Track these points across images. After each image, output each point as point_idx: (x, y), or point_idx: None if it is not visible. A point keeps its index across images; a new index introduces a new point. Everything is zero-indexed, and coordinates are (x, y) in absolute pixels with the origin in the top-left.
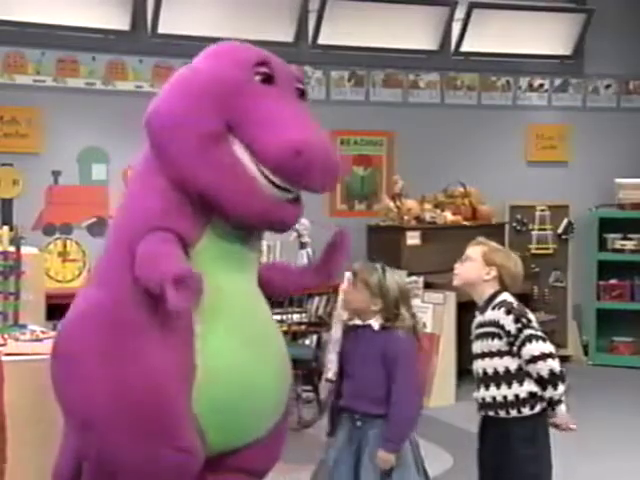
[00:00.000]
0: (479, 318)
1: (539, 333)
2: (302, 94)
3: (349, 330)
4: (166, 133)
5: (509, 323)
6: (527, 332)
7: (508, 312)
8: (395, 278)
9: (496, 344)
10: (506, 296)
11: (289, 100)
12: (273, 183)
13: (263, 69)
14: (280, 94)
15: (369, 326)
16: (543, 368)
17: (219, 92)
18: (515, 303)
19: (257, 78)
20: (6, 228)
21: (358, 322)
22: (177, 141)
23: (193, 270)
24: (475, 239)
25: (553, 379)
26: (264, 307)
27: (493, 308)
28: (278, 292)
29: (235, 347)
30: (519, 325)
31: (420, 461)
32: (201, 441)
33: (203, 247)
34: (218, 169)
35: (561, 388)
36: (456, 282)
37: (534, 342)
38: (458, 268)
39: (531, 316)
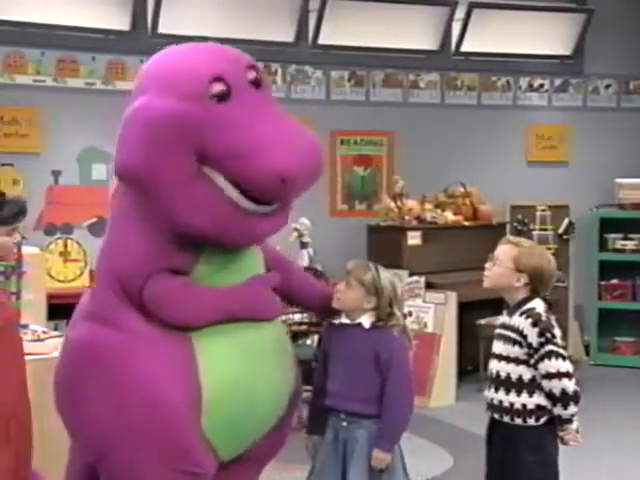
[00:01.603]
0: (505, 319)
1: (560, 350)
2: (259, 84)
3: (334, 329)
4: (140, 184)
5: (533, 335)
6: (548, 348)
7: (534, 324)
8: (388, 277)
9: (516, 351)
10: (537, 303)
11: (253, 108)
12: (255, 200)
13: (216, 88)
14: (242, 107)
15: (359, 325)
16: (556, 386)
17: (181, 132)
18: (544, 315)
19: (215, 100)
20: None
21: (346, 321)
22: (153, 189)
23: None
24: (505, 238)
25: (564, 399)
26: None
27: (521, 314)
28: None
29: (236, 360)
30: (542, 339)
31: (404, 460)
32: (213, 457)
33: (200, 268)
34: (199, 206)
35: (572, 409)
36: (486, 284)
37: (553, 359)
38: (488, 269)
39: (556, 331)
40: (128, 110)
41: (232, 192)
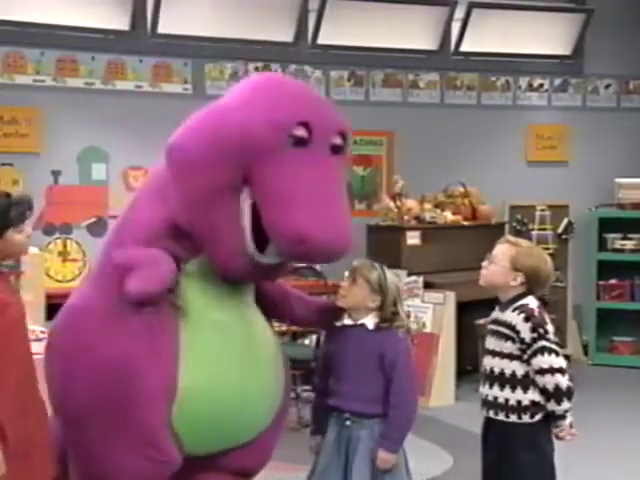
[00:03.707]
0: (498, 314)
1: (553, 346)
2: (338, 150)
3: (337, 330)
4: (183, 170)
5: (525, 331)
6: (541, 343)
7: (527, 319)
8: (393, 277)
9: (509, 346)
10: (529, 300)
11: (316, 165)
12: (261, 248)
13: (299, 132)
14: (308, 158)
15: (362, 325)
16: (550, 382)
17: (245, 150)
18: (536, 310)
19: (290, 141)
20: None
21: (348, 321)
22: (190, 182)
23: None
24: (504, 237)
25: (558, 394)
26: (257, 323)
27: (514, 310)
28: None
29: (218, 363)
30: (535, 335)
31: (407, 460)
32: (177, 448)
33: (194, 264)
34: (215, 222)
35: (565, 404)
36: (482, 282)
37: (546, 355)
38: (485, 268)
39: (549, 327)
40: (217, 103)
41: (247, 233)
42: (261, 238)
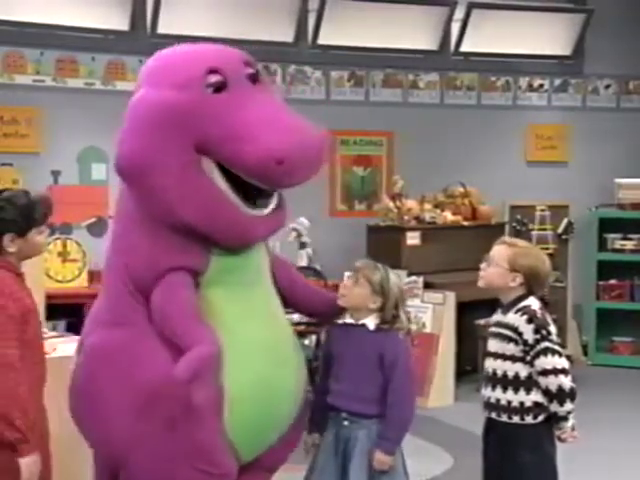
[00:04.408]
0: (500, 317)
1: (556, 347)
2: (255, 78)
3: (338, 329)
4: (138, 175)
5: (528, 332)
6: (544, 344)
7: (529, 321)
8: (396, 279)
9: (511, 348)
10: (531, 301)
11: (249, 98)
12: (251, 200)
13: (212, 79)
14: (238, 97)
15: (363, 326)
16: (553, 383)
17: (177, 121)
18: (539, 312)
19: (209, 91)
20: None
21: (350, 321)
22: (151, 180)
23: (209, 350)
24: (501, 239)
25: (561, 395)
26: (280, 313)
27: (516, 312)
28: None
29: (256, 360)
30: (538, 336)
31: (404, 463)
32: (235, 458)
33: (213, 269)
34: (196, 200)
35: (568, 406)
36: (481, 284)
37: (549, 356)
38: (483, 270)
39: (552, 328)
40: (130, 101)
41: (230, 193)
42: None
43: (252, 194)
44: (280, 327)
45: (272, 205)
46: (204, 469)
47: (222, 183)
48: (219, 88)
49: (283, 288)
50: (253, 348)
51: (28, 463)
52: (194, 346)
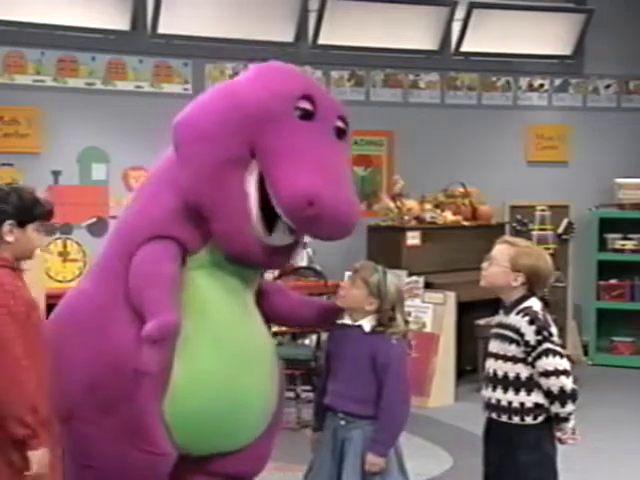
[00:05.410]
0: (502, 318)
1: (557, 348)
2: (341, 133)
3: (336, 329)
4: (190, 145)
5: (530, 333)
6: (546, 346)
7: (531, 322)
8: (394, 282)
9: (513, 349)
10: (533, 302)
11: (322, 140)
12: (270, 229)
13: (305, 105)
14: (314, 132)
15: (359, 327)
16: (554, 384)
17: (253, 120)
18: (540, 313)
19: (296, 113)
20: None
21: (347, 321)
22: (198, 156)
23: (172, 321)
24: (502, 238)
25: (562, 396)
26: (258, 324)
27: (517, 313)
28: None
29: (217, 360)
30: (539, 337)
31: (402, 462)
32: (170, 443)
33: (202, 256)
34: (222, 197)
35: (569, 407)
36: (482, 283)
37: (550, 357)
38: (485, 269)
39: (553, 329)
40: (224, 83)
41: (254, 204)
42: (270, 222)
43: (275, 218)
44: (256, 334)
45: (288, 240)
46: (147, 449)
47: (253, 191)
48: (305, 116)
49: (278, 303)
50: (220, 344)
51: (38, 456)
52: (160, 313)
